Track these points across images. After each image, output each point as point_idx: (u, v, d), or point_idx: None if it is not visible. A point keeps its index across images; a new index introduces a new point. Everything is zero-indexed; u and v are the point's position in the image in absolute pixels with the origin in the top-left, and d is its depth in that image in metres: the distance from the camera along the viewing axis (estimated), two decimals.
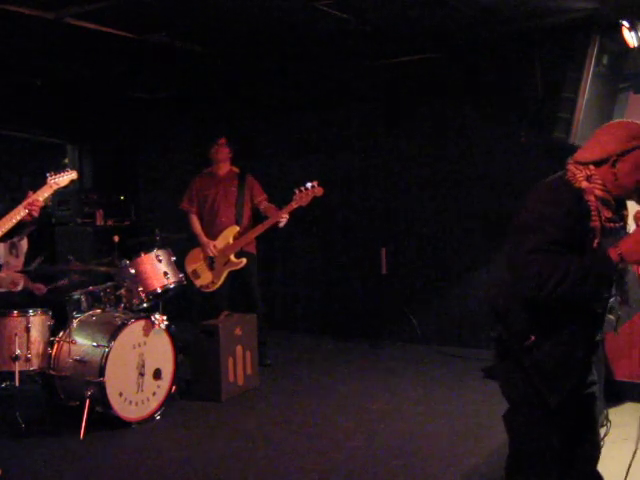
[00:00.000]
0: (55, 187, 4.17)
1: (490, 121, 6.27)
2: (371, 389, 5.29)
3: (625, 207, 2.57)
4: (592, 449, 2.67)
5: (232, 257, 5.79)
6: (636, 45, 4.86)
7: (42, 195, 4.08)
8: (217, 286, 5.82)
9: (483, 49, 6.00)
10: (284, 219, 5.62)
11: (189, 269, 5.88)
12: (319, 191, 5.59)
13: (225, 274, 5.80)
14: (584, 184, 2.40)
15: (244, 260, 5.80)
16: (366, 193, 7.07)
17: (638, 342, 5.03)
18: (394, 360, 6.21)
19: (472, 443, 4.12)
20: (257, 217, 5.98)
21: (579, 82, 4.90)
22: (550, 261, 2.30)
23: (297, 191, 5.58)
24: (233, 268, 5.80)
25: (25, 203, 3.98)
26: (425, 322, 6.73)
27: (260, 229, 5.77)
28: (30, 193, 4.06)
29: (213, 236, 5.87)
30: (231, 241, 5.82)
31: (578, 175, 2.42)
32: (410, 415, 4.67)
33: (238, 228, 5.84)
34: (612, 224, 2.41)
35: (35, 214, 4.02)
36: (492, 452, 3.98)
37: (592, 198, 2.37)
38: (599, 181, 2.41)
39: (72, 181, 4.28)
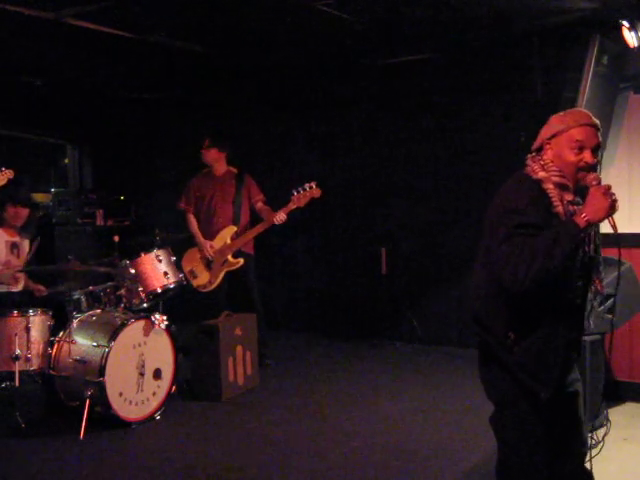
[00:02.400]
0: None
1: (490, 121, 6.27)
2: (371, 389, 5.29)
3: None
4: (580, 446, 2.67)
5: (230, 257, 5.78)
6: (636, 45, 4.85)
7: None
8: (214, 286, 5.81)
9: (483, 49, 6.00)
10: (280, 220, 5.61)
11: (186, 269, 5.86)
12: (317, 192, 5.57)
13: (222, 274, 5.80)
14: (541, 174, 2.46)
15: (241, 260, 5.79)
16: (366, 193, 7.06)
17: (638, 342, 5.04)
18: (394, 360, 6.21)
19: (472, 443, 4.11)
20: (255, 216, 5.97)
21: (579, 82, 4.89)
22: (517, 245, 2.32)
23: (295, 192, 5.58)
24: (230, 268, 5.79)
25: None
26: (425, 322, 6.73)
27: (257, 230, 5.76)
28: None
29: (210, 236, 5.85)
30: (228, 241, 5.80)
31: (534, 166, 2.49)
32: (410, 415, 4.67)
33: (236, 228, 5.82)
34: (575, 207, 2.45)
35: None
36: (492, 452, 3.97)
37: (550, 186, 2.43)
38: (554, 168, 2.46)
39: (10, 180, 4.35)
